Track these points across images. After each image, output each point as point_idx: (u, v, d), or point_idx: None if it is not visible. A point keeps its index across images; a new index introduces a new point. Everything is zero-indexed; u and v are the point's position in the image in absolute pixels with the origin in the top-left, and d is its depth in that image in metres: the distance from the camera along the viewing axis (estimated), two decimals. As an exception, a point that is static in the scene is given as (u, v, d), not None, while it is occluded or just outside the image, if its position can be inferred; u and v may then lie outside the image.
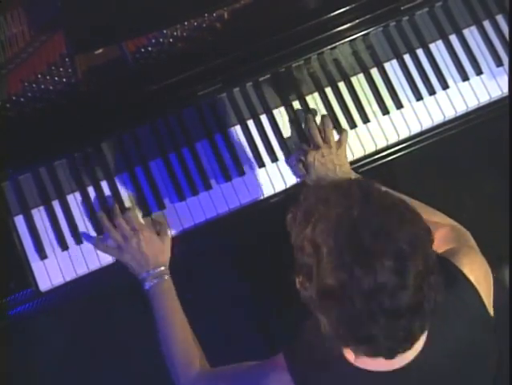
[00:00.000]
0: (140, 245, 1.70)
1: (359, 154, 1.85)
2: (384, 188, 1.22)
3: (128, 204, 1.80)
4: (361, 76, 1.89)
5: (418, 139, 1.88)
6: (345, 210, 1.14)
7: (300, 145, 1.82)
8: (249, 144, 1.84)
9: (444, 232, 1.56)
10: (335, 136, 1.83)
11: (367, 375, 1.26)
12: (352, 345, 1.19)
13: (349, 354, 1.27)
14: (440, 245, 1.47)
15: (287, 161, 1.83)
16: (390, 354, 1.20)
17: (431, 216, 1.59)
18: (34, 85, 1.74)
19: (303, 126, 1.85)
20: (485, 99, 1.89)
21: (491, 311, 1.39)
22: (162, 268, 1.70)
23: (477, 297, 1.36)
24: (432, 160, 2.11)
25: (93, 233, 1.78)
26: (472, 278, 1.36)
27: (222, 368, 1.53)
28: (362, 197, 1.16)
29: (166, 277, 1.69)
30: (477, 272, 1.38)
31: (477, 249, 1.51)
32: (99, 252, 1.76)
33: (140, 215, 1.78)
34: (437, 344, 1.28)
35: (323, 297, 1.14)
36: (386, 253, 1.10)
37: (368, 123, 1.87)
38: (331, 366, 1.29)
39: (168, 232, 1.76)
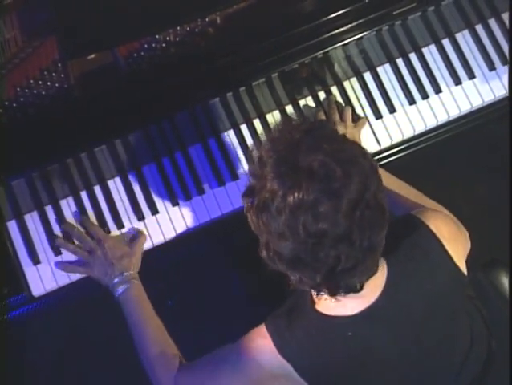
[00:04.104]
0: (106, 253, 1.70)
1: (352, 158, 1.85)
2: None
3: (120, 208, 1.80)
4: (354, 80, 1.90)
5: (411, 143, 1.89)
6: (290, 135, 1.22)
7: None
8: (242, 149, 1.84)
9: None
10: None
11: (333, 321, 1.33)
12: (286, 269, 1.24)
13: (318, 305, 1.34)
14: None
15: None
16: (331, 287, 1.24)
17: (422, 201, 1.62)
18: (26, 90, 1.74)
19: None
20: (477, 103, 1.89)
21: (463, 270, 1.41)
22: (130, 272, 1.69)
23: (442, 249, 1.38)
24: (425, 164, 2.12)
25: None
26: (438, 233, 1.39)
27: (203, 357, 1.51)
28: (307, 128, 1.24)
29: (135, 281, 1.68)
30: (444, 229, 1.41)
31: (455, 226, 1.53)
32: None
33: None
34: (397, 292, 1.33)
35: (260, 213, 1.20)
36: (316, 173, 1.15)
37: (362, 128, 1.87)
38: (304, 321, 1.35)
39: (142, 244, 1.76)
